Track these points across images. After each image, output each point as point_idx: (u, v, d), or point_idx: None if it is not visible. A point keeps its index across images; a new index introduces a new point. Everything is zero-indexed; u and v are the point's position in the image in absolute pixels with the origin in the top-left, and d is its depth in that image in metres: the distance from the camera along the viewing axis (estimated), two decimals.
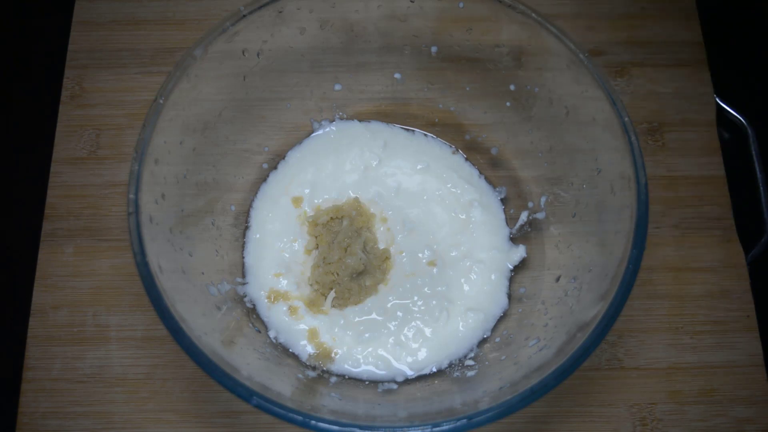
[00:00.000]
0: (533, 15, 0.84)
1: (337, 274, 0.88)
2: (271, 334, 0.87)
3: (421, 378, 0.86)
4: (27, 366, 0.88)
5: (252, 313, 0.89)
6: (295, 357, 0.86)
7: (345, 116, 1.00)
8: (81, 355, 0.88)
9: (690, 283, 0.92)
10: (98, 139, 0.99)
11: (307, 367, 0.86)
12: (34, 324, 0.89)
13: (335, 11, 0.90)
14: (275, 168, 0.97)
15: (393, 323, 0.88)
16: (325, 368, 0.86)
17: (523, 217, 0.94)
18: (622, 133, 0.78)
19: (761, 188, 0.99)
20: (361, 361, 0.86)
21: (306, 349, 0.87)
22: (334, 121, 0.99)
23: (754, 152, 1.01)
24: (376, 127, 0.99)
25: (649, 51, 1.04)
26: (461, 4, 0.88)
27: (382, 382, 0.85)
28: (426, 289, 0.89)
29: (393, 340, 0.87)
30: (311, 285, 0.90)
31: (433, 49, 0.94)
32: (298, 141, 0.98)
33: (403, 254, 0.91)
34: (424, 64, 0.96)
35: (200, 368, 0.70)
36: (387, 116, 1.00)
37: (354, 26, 0.92)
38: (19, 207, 0.99)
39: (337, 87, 0.98)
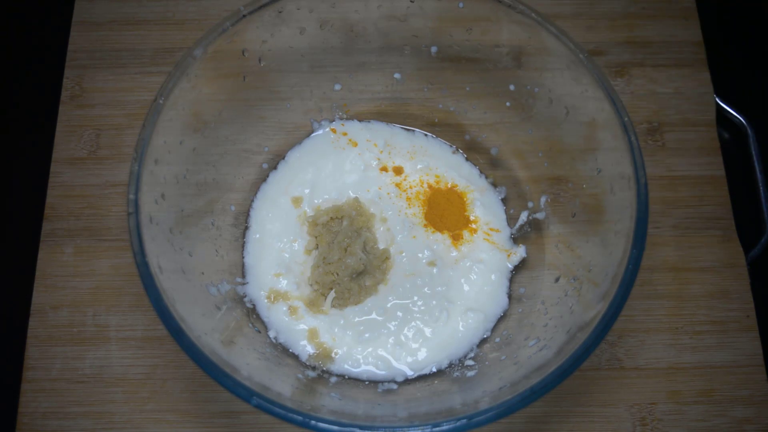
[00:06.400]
0: (533, 15, 0.84)
1: (337, 274, 0.88)
2: (271, 334, 0.87)
3: (421, 378, 0.86)
4: (27, 366, 0.88)
5: (252, 313, 0.89)
6: (295, 357, 0.86)
7: (345, 116, 1.00)
8: (81, 355, 0.88)
9: (690, 283, 0.92)
10: (98, 140, 0.99)
11: (307, 367, 0.86)
12: (34, 324, 0.89)
13: (335, 11, 0.90)
14: (275, 168, 0.97)
15: (393, 323, 0.87)
16: (325, 368, 0.86)
17: (523, 217, 0.94)
18: (622, 133, 0.78)
19: (761, 188, 0.99)
20: (361, 361, 0.86)
21: (306, 349, 0.87)
22: (334, 121, 0.99)
23: (754, 152, 1.01)
24: (376, 127, 0.99)
25: (649, 51, 1.04)
26: (461, 4, 0.88)
27: (382, 382, 0.85)
28: (426, 289, 0.89)
29: (393, 340, 0.87)
30: (311, 285, 0.90)
31: (433, 49, 0.94)
32: (298, 141, 0.98)
33: (403, 254, 0.91)
34: (423, 64, 0.96)
35: (200, 368, 0.70)
36: (387, 116, 1.00)
37: (354, 26, 0.92)
38: (19, 207, 0.99)
39: (337, 87, 0.98)
